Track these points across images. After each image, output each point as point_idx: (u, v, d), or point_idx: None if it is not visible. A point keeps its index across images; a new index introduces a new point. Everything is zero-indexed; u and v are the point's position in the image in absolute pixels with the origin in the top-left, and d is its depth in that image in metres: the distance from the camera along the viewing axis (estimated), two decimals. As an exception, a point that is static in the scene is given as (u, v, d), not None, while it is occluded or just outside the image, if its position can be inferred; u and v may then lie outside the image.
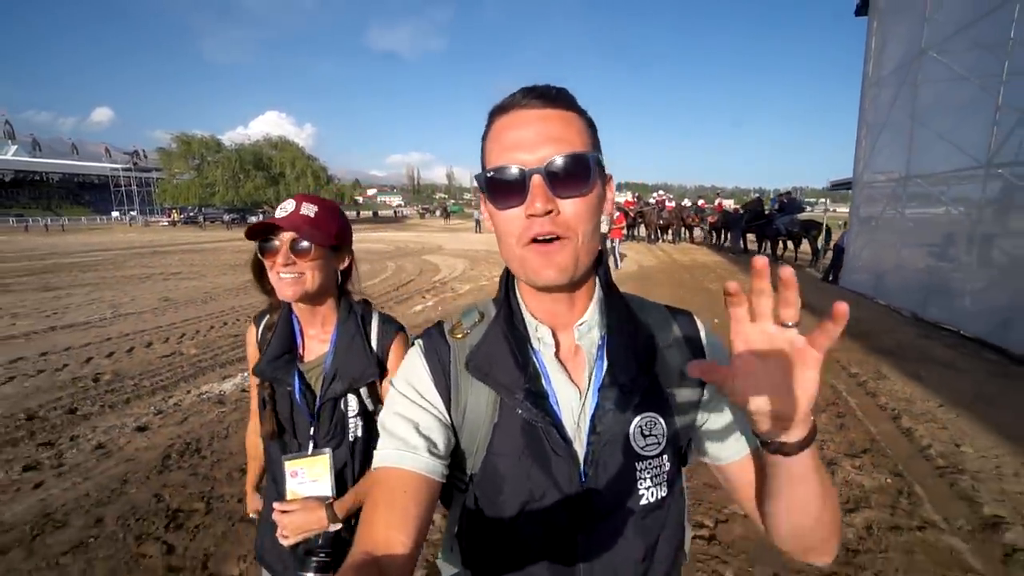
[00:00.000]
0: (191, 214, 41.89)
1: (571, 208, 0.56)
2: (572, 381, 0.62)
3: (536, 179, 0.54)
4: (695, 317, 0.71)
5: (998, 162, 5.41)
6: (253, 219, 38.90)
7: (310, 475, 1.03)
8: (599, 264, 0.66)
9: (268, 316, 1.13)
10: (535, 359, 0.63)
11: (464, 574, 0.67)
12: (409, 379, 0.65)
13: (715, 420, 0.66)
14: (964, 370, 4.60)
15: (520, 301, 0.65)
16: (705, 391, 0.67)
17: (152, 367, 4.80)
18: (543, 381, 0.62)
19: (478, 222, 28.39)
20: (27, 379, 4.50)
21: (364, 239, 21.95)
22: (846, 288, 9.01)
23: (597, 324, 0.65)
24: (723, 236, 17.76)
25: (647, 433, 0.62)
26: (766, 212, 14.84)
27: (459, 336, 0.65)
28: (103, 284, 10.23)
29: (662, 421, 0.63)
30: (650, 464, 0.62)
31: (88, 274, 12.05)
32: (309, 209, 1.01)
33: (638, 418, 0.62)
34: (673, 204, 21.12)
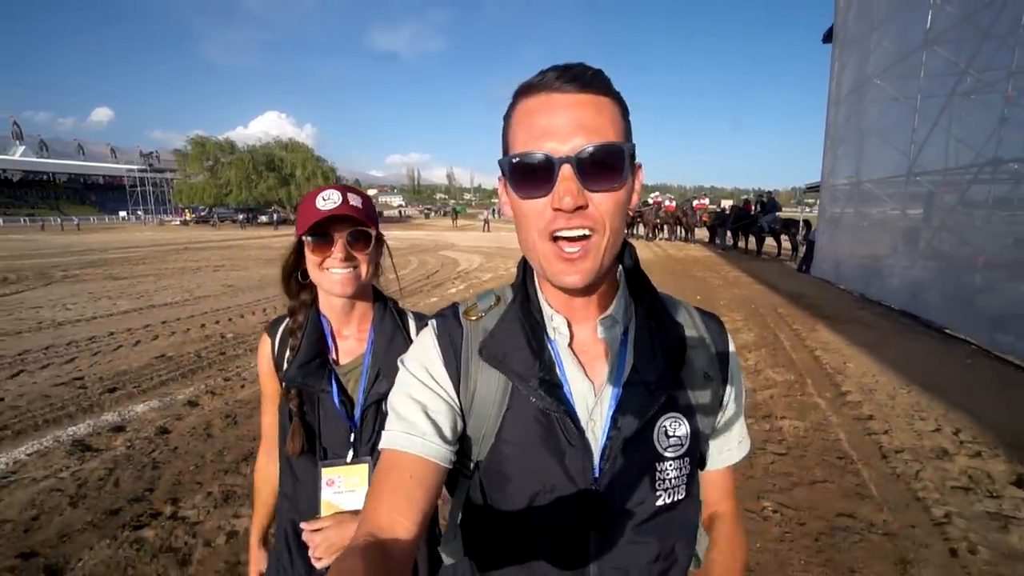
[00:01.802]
0: (202, 214, 43.21)
1: (601, 202, 0.52)
2: (586, 373, 0.61)
3: (566, 169, 0.51)
4: (723, 322, 0.70)
5: (917, 171, 6.89)
6: (263, 218, 40.23)
7: (347, 484, 0.97)
8: (624, 255, 0.64)
9: (288, 322, 1.05)
10: (550, 348, 0.61)
11: (465, 564, 0.66)
12: (420, 360, 0.63)
13: (723, 425, 0.68)
14: (877, 327, 6.09)
15: (537, 288, 0.64)
16: (726, 395, 0.66)
17: (259, 329, 6.24)
18: (557, 370, 0.60)
19: (486, 221, 29.55)
20: (169, 336, 5.93)
21: (378, 237, 23.31)
22: (815, 276, 10.50)
23: (622, 317, 0.63)
24: (714, 234, 19.27)
25: (671, 434, 0.61)
26: (752, 212, 16.35)
27: (473, 318, 0.64)
28: (161, 275, 11.47)
29: (686, 423, 0.62)
30: (671, 465, 0.60)
31: (140, 267, 13.37)
32: (356, 200, 0.96)
33: (662, 418, 0.60)
34: (674, 205, 21.53)
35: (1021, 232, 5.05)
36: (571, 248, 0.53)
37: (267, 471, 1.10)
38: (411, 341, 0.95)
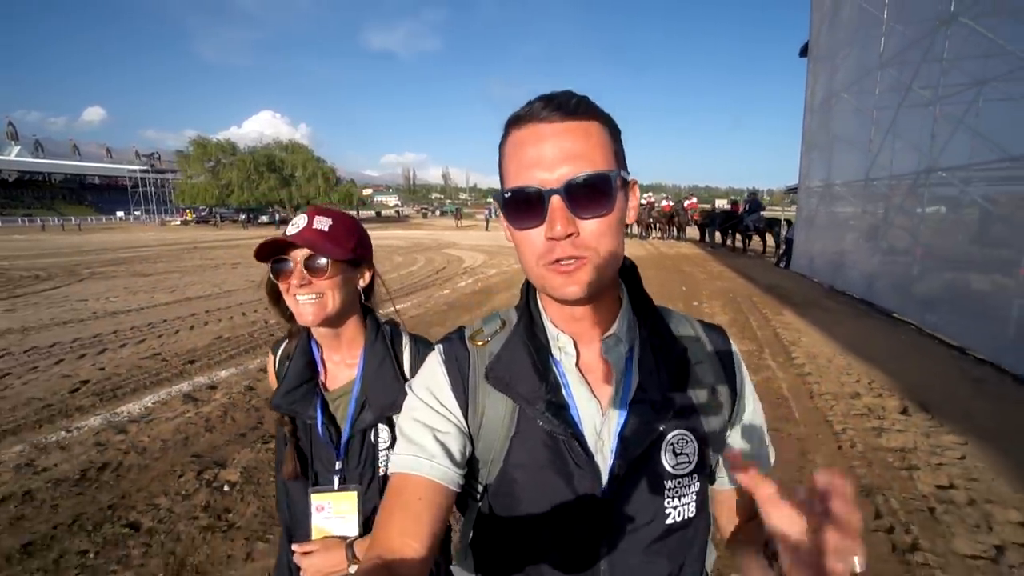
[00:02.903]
0: (203, 214, 43.75)
1: (593, 228, 0.54)
2: (593, 393, 0.61)
3: (555, 200, 0.52)
4: (727, 333, 0.70)
5: (873, 175, 7.84)
6: (264, 218, 40.85)
7: (336, 511, 0.97)
8: (626, 274, 0.65)
9: (287, 343, 1.04)
10: (555, 369, 0.62)
11: None
12: (428, 385, 0.64)
13: (736, 438, 0.67)
14: (835, 312, 7.04)
15: (541, 309, 0.65)
16: (736, 410, 0.66)
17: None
18: (563, 392, 0.61)
19: (487, 220, 30.30)
20: (218, 322, 6.75)
21: (381, 237, 24.08)
22: (793, 271, 11.46)
23: (625, 337, 0.63)
24: (704, 233, 20.25)
25: (679, 451, 0.60)
26: (738, 212, 17.34)
27: (479, 343, 0.65)
28: (184, 272, 12.19)
29: (694, 440, 0.62)
30: (679, 483, 0.60)
31: (159, 265, 14.04)
32: (322, 223, 0.94)
33: (670, 435, 0.60)
34: (669, 205, 22.05)
35: (947, 229, 5.99)
36: (567, 262, 0.54)
37: None
38: (401, 369, 0.99)
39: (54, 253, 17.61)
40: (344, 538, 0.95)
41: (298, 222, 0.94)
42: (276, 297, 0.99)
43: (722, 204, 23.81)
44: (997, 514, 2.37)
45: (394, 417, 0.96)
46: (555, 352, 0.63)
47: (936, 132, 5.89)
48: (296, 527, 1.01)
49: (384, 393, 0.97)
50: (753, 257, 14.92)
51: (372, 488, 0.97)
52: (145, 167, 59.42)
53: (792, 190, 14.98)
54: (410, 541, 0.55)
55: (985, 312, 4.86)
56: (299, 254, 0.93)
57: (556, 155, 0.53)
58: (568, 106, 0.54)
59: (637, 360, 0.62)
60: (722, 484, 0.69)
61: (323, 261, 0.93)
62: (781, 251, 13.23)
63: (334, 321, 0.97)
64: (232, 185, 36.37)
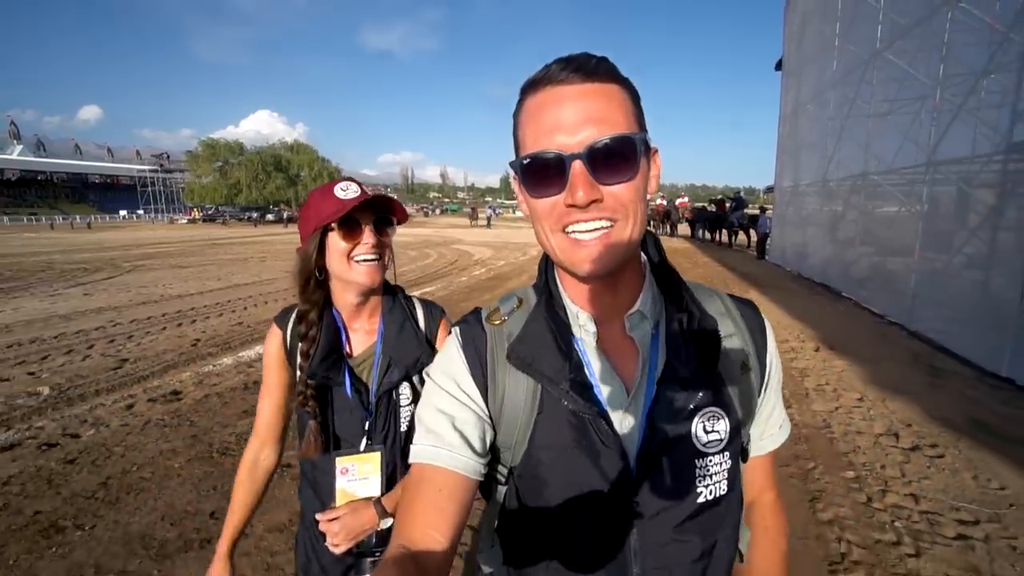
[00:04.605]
0: (209, 212, 44.82)
1: (617, 193, 0.52)
2: (616, 371, 0.60)
3: (577, 165, 0.50)
4: (758, 307, 0.68)
5: (828, 177, 9.20)
6: (270, 216, 41.90)
7: (360, 472, 1.01)
8: (649, 246, 0.64)
9: (300, 323, 1.02)
10: (577, 347, 0.60)
11: (503, 571, 0.65)
12: (446, 370, 0.63)
13: (764, 411, 0.66)
14: (794, 292, 8.43)
15: (560, 287, 0.63)
16: (764, 382, 0.65)
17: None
18: (586, 370, 0.59)
19: (488, 219, 31.18)
20: (275, 302, 7.97)
21: (389, 233, 25.30)
22: (769, 261, 12.86)
23: (650, 312, 0.61)
24: (695, 229, 21.68)
25: (710, 429, 0.59)
26: (725, 210, 18.76)
27: (496, 322, 0.63)
28: (218, 264, 13.18)
29: (726, 417, 0.60)
30: (711, 461, 0.59)
31: (191, 258, 15.05)
32: (368, 190, 0.96)
33: (700, 413, 0.59)
34: (663, 203, 23.32)
35: (874, 222, 7.35)
36: (587, 237, 0.52)
37: (257, 466, 1.06)
38: (419, 329, 1.06)
39: (80, 249, 18.39)
40: (369, 498, 1.01)
41: (352, 187, 0.96)
42: (308, 273, 0.98)
43: (704, 204, 24.86)
44: (845, 394, 3.77)
45: (415, 378, 1.04)
46: (576, 330, 0.61)
47: (869, 142, 7.25)
48: (321, 494, 1.03)
49: (407, 353, 1.03)
50: (738, 251, 16.28)
51: (395, 447, 1.03)
52: (154, 167, 60.59)
53: (770, 189, 16.38)
54: (433, 533, 0.55)
55: (895, 285, 6.23)
56: (366, 216, 0.96)
57: (577, 118, 0.51)
58: (588, 66, 0.52)
59: (664, 337, 0.60)
60: (758, 450, 0.68)
61: (389, 221, 0.99)
62: (757, 243, 14.63)
63: (382, 278, 1.00)
64: (240, 184, 37.52)
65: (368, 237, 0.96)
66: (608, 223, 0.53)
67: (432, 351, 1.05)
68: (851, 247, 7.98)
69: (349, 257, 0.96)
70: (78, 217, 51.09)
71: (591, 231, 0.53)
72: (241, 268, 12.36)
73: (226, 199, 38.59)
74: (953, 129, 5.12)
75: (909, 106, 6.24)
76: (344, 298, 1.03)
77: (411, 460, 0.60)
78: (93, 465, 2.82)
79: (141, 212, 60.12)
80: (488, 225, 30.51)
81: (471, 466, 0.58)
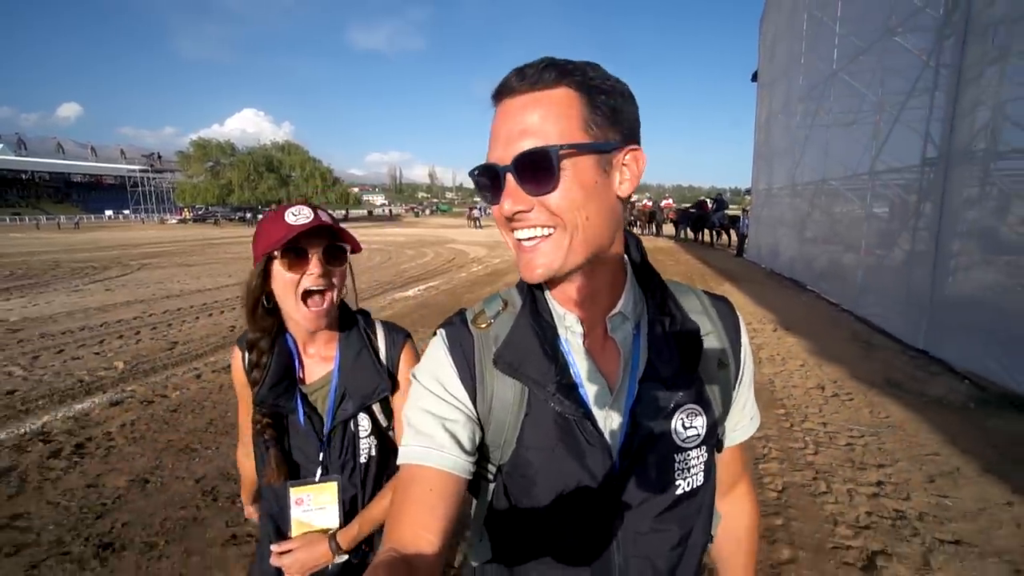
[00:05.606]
0: (199, 213, 44.78)
1: (546, 203, 0.53)
2: (600, 370, 0.62)
3: (508, 177, 0.53)
4: (733, 304, 0.71)
5: (796, 182, 10.14)
6: (260, 216, 41.77)
7: (316, 503, 0.98)
8: (631, 248, 0.65)
9: (248, 345, 1.00)
10: (563, 349, 0.62)
11: (493, 564, 0.67)
12: (434, 373, 0.63)
13: (737, 404, 0.69)
14: (764, 284, 9.34)
15: (544, 289, 0.64)
16: (739, 377, 0.68)
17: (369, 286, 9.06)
18: (571, 371, 0.61)
19: (476, 219, 31.48)
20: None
21: (383, 235, 25.88)
22: (747, 259, 13.82)
23: (631, 313, 0.63)
24: (679, 229, 22.69)
25: (688, 425, 0.62)
26: (707, 210, 19.79)
27: (483, 326, 0.64)
28: (223, 263, 13.75)
29: (703, 413, 0.63)
30: (689, 455, 0.62)
31: (194, 257, 15.52)
32: (324, 215, 0.94)
33: (680, 411, 0.61)
34: (648, 204, 24.35)
35: (832, 222, 8.28)
36: (528, 244, 0.55)
37: (245, 460, 1.12)
38: (378, 358, 1.01)
39: (79, 248, 18.69)
40: (325, 530, 0.99)
41: (303, 212, 0.92)
42: (255, 301, 0.96)
43: (688, 206, 25.73)
44: (790, 361, 4.63)
45: (375, 407, 1.02)
46: (562, 332, 0.62)
47: (829, 151, 8.18)
48: (280, 521, 1.02)
49: (363, 383, 1.00)
50: (719, 250, 17.24)
51: (353, 477, 1.01)
52: (144, 167, 60.01)
53: (748, 192, 17.45)
54: (424, 533, 0.55)
55: (847, 278, 7.14)
56: (316, 243, 0.92)
57: (512, 131, 0.53)
58: (533, 75, 0.53)
59: (645, 337, 0.62)
60: (730, 441, 0.72)
61: (341, 250, 0.95)
62: (737, 242, 15.62)
63: (331, 314, 0.97)
64: (232, 185, 37.56)
65: (314, 267, 0.92)
66: (545, 230, 0.54)
67: (393, 381, 1.03)
68: (815, 245, 8.90)
69: (296, 289, 0.92)
70: (64, 217, 50.52)
71: (528, 239, 0.55)
72: (246, 266, 12.56)
73: (218, 199, 38.59)
74: (890, 142, 6.03)
75: (862, 119, 7.16)
76: (296, 324, 0.99)
77: (400, 461, 0.60)
78: (194, 413, 3.51)
79: (128, 212, 59.58)
80: (478, 225, 30.62)
81: (461, 465, 0.59)
